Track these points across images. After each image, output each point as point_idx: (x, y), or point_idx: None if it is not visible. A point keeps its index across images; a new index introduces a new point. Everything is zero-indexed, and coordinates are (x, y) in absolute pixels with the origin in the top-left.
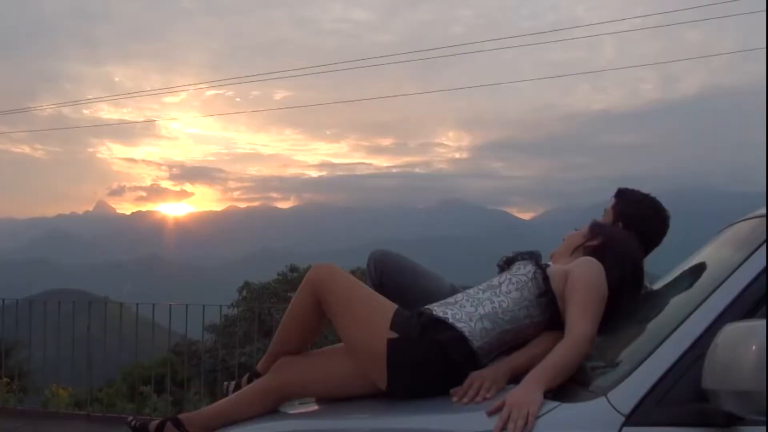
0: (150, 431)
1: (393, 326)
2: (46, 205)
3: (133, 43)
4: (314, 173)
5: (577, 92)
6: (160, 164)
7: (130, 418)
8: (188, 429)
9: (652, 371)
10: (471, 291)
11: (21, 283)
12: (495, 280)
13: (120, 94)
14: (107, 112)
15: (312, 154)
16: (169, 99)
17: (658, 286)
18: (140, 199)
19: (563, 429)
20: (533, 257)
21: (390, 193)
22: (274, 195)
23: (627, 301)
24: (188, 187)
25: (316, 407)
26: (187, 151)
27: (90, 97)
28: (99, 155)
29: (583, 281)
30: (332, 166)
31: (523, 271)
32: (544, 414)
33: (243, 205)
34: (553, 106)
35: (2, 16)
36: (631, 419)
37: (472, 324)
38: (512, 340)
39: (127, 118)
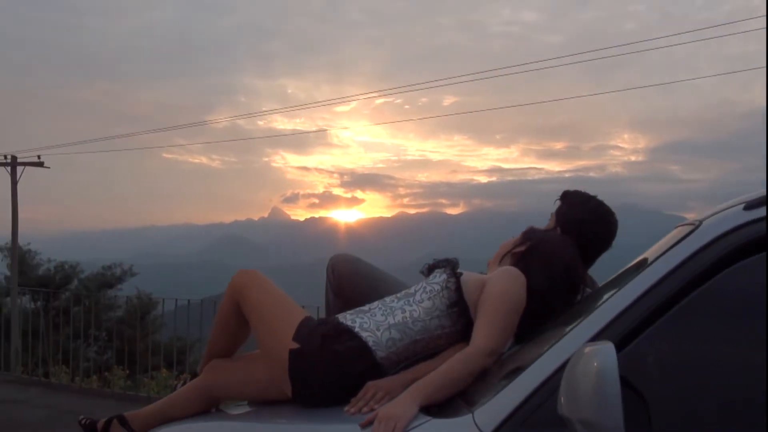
0: (98, 429)
1: (295, 336)
2: (223, 211)
3: (304, 56)
4: (483, 179)
5: (757, 87)
6: (332, 172)
7: (81, 417)
8: (132, 426)
9: (519, 390)
10: (387, 298)
11: (200, 283)
12: (412, 288)
13: (293, 105)
14: (281, 123)
15: (481, 159)
16: (340, 108)
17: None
18: (313, 205)
19: None
20: (450, 265)
21: None
22: (443, 201)
23: (560, 308)
24: (359, 193)
25: (248, 409)
26: (357, 158)
27: (264, 109)
28: (273, 164)
29: (494, 292)
30: (502, 171)
31: (438, 279)
32: (411, 429)
33: (413, 211)
34: (732, 104)
35: (183, 35)
36: None
37: (379, 334)
38: (423, 351)
39: (299, 128)
